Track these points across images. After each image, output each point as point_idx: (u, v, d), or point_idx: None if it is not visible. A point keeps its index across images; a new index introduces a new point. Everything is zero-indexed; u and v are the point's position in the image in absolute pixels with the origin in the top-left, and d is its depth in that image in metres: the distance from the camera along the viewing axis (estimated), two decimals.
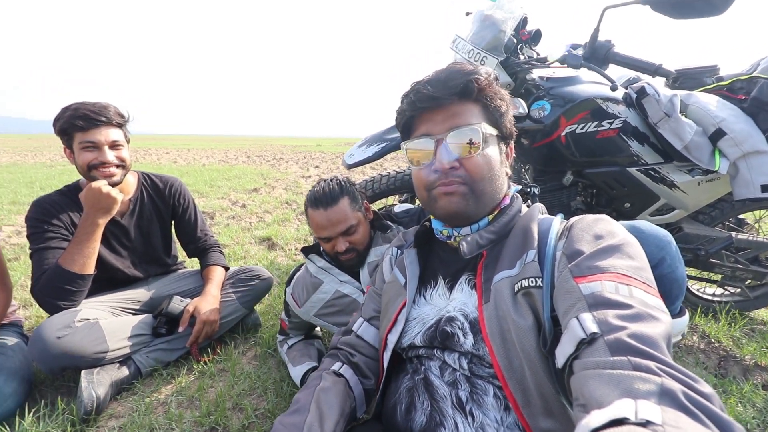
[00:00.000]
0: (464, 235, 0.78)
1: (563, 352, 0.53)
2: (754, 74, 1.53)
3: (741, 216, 1.91)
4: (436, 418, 0.69)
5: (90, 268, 1.36)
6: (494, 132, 0.76)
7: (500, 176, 0.77)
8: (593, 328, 0.49)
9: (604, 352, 0.47)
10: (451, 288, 0.79)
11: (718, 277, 1.86)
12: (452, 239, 0.81)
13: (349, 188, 1.25)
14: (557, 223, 0.71)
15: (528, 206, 0.84)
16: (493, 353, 0.64)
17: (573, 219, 0.70)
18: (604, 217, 0.68)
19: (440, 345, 0.75)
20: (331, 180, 1.26)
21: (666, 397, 0.39)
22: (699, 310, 1.86)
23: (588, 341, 0.50)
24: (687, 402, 0.38)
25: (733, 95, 1.55)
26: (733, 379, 1.42)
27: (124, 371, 1.37)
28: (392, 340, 0.80)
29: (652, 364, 0.43)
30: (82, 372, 1.27)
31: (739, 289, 1.89)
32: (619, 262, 0.57)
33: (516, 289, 0.65)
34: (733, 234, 1.71)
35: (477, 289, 0.71)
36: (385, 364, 0.81)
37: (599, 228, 0.64)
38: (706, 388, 0.41)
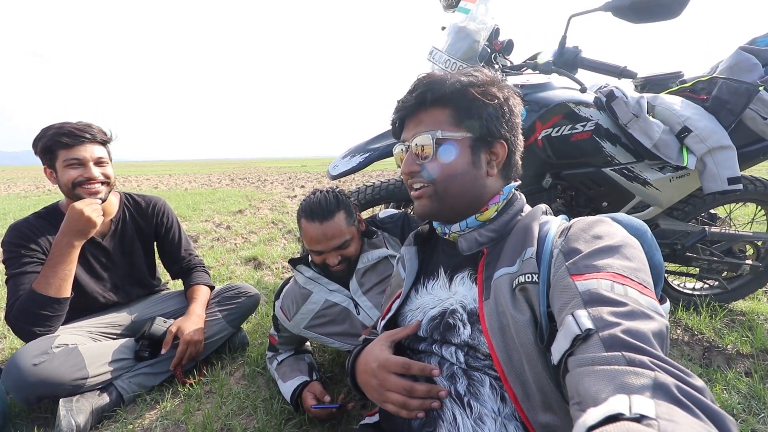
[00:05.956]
0: (455, 231, 0.81)
1: (558, 348, 0.53)
2: (713, 75, 1.62)
3: (713, 210, 1.98)
4: (434, 412, 0.70)
5: (66, 292, 1.32)
6: (458, 135, 0.76)
7: (469, 176, 0.77)
8: (588, 324, 0.49)
9: (599, 347, 0.47)
10: (451, 280, 0.80)
11: (696, 271, 1.92)
12: (447, 235, 0.83)
13: (345, 201, 1.23)
14: (557, 222, 0.72)
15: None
16: (492, 348, 0.65)
17: (573, 219, 0.71)
18: (605, 218, 0.68)
19: (440, 337, 0.77)
20: (327, 192, 1.23)
21: (659, 390, 0.39)
22: (681, 304, 1.91)
23: (583, 337, 0.49)
24: (680, 395, 0.38)
25: (695, 95, 1.63)
26: (717, 368, 1.45)
27: (105, 398, 1.32)
28: (382, 324, 0.86)
29: (645, 358, 0.43)
30: (61, 400, 1.22)
31: (717, 282, 1.95)
32: (616, 262, 0.57)
33: (514, 285, 0.66)
34: (707, 227, 1.78)
35: (478, 284, 0.73)
36: None
37: (598, 229, 0.64)
38: (699, 382, 0.41)
